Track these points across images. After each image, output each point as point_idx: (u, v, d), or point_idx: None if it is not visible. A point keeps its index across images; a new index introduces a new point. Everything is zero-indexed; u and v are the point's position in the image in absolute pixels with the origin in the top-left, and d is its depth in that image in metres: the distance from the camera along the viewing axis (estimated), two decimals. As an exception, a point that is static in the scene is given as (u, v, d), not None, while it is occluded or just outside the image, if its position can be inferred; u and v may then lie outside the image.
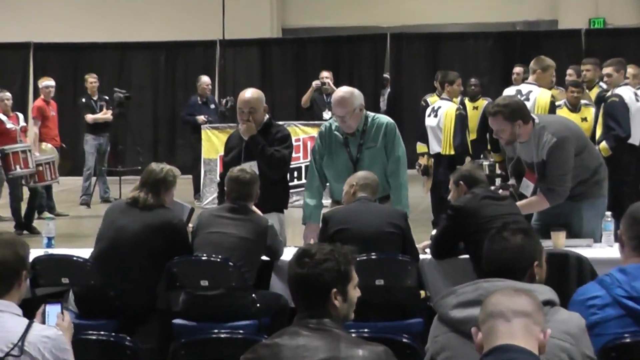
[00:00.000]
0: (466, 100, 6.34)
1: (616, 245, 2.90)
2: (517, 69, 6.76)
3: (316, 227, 3.45)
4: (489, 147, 5.95)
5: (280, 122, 4.99)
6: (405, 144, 3.64)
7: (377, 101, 9.65)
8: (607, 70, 5.07)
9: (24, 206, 6.44)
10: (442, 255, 3.18)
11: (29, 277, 2.08)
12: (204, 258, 3.11)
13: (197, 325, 3.02)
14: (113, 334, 2.40)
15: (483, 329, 1.57)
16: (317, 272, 1.76)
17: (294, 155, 4.60)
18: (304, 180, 6.66)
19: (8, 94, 6.55)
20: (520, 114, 3.32)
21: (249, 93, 3.71)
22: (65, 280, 3.15)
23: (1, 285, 1.96)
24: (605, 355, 1.94)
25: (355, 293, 1.81)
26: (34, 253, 3.03)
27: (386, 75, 10.13)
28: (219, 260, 3.07)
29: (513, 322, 1.54)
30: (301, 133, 7.46)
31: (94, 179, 7.78)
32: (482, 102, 6.57)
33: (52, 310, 2.02)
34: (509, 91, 4.97)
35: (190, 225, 3.35)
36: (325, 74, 7.77)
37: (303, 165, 7.14)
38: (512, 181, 3.55)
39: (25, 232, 6.23)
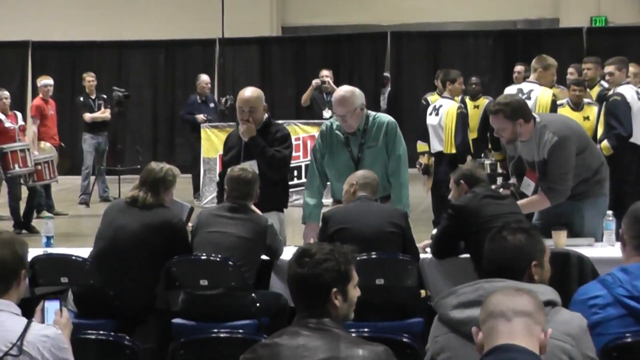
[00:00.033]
0: (467, 99, 6.32)
1: (617, 245, 2.90)
2: (518, 68, 6.74)
3: (316, 227, 3.44)
4: (489, 146, 5.94)
5: (280, 121, 4.99)
6: (406, 142, 3.63)
7: (377, 100, 9.64)
8: (609, 68, 5.06)
9: (22, 205, 6.43)
10: (442, 255, 3.17)
11: (28, 276, 2.07)
12: (203, 257, 3.10)
13: (196, 324, 3.02)
14: (112, 333, 2.39)
15: (484, 329, 1.56)
16: (317, 271, 1.76)
17: (293, 154, 4.59)
18: (303, 180, 6.66)
19: (6, 93, 6.53)
20: (521, 112, 3.31)
21: (249, 92, 3.70)
22: (64, 280, 3.14)
23: (0, 285, 1.95)
24: (606, 355, 1.94)
25: (355, 293, 1.81)
26: (33, 252, 3.02)
27: (386, 74, 10.12)
28: (218, 259, 3.06)
29: (514, 321, 1.53)
30: (301, 132, 7.45)
31: (92, 178, 7.77)
32: (483, 101, 6.56)
33: (51, 306, 2.02)
34: (510, 90, 4.96)
35: (190, 224, 3.35)
36: (325, 72, 7.76)
37: (303, 165, 7.13)
38: (513, 180, 3.54)
39: (24, 231, 6.22)
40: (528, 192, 3.41)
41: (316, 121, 7.40)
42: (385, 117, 3.62)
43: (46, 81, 7.39)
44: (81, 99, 7.87)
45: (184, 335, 2.40)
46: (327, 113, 7.34)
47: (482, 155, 5.96)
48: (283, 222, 3.70)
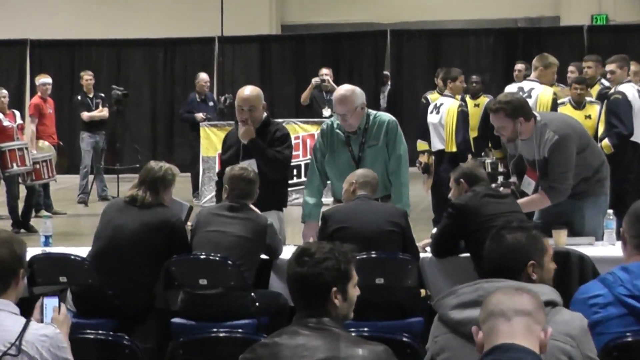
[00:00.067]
0: (467, 98, 6.31)
1: (618, 244, 2.89)
2: (519, 66, 6.73)
3: (315, 226, 3.43)
4: (489, 144, 5.93)
5: (280, 120, 4.98)
6: (406, 141, 3.63)
7: (377, 99, 9.62)
8: (610, 67, 5.04)
9: (21, 204, 6.42)
10: (442, 254, 3.16)
11: (26, 275, 2.06)
12: (202, 257, 3.09)
13: (195, 324, 3.01)
14: (111, 333, 2.38)
15: (484, 328, 1.56)
16: (317, 271, 1.75)
17: (293, 153, 4.58)
18: (303, 179, 6.65)
19: (4, 92, 6.52)
20: (522, 111, 3.30)
21: (248, 91, 3.69)
22: (63, 279, 3.14)
23: (-2, 284, 1.95)
24: (607, 354, 1.93)
25: (355, 292, 1.80)
26: (32, 251, 3.01)
27: (386, 73, 10.10)
28: (217, 259, 3.05)
29: (514, 321, 1.53)
30: (300, 131, 7.44)
31: (91, 177, 7.76)
32: (484, 100, 6.55)
33: (50, 303, 2.01)
34: (511, 88, 4.95)
35: (189, 223, 3.34)
36: (324, 71, 7.75)
37: (302, 163, 7.12)
38: (513, 179, 3.54)
39: (22, 230, 6.21)
40: (528, 191, 3.40)
41: (316, 120, 7.39)
42: (386, 116, 3.62)
43: (44, 80, 7.38)
44: (79, 97, 7.85)
45: (183, 335, 2.39)
46: (326, 112, 7.32)
47: (483, 154, 5.96)
48: (282, 221, 3.69)
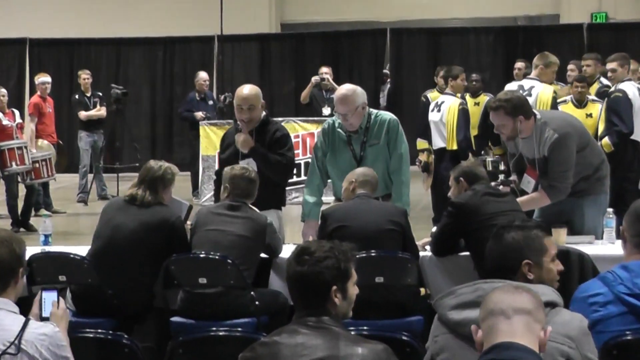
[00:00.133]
0: (467, 96, 6.31)
1: (618, 242, 2.89)
2: (519, 64, 6.72)
3: (315, 225, 3.43)
4: (489, 143, 5.93)
5: (279, 119, 4.99)
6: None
7: (377, 97, 9.62)
8: (611, 65, 5.03)
9: (20, 203, 6.41)
10: (442, 253, 3.16)
11: (26, 274, 2.06)
12: (202, 256, 3.09)
13: (195, 323, 3.01)
14: (111, 332, 2.38)
15: (483, 327, 1.56)
16: (318, 270, 1.74)
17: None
18: (303, 177, 6.65)
19: (4, 90, 6.51)
20: (522, 109, 3.30)
21: (247, 90, 3.68)
22: (62, 278, 3.13)
23: (-3, 283, 1.95)
24: (606, 353, 1.92)
25: (354, 290, 1.80)
26: (31, 250, 3.01)
27: (386, 71, 10.09)
28: (217, 257, 3.05)
29: (514, 319, 1.52)
30: (300, 129, 7.43)
31: (90, 176, 7.76)
32: (484, 98, 6.54)
33: (48, 297, 2.01)
34: (511, 86, 4.95)
35: (189, 222, 3.33)
36: (324, 69, 7.74)
37: (302, 162, 7.11)
38: (513, 177, 3.53)
39: (21, 229, 6.21)
40: (528, 190, 3.40)
41: (315, 118, 7.39)
42: (387, 115, 3.62)
43: (44, 78, 7.37)
44: (76, 96, 7.84)
45: (182, 334, 2.39)
46: (326, 110, 7.32)
47: (482, 152, 5.95)
48: (281, 220, 3.69)
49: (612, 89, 4.99)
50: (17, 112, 6.62)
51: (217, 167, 6.04)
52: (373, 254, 2.99)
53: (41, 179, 6.53)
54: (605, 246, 3.24)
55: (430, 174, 5.79)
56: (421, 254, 3.18)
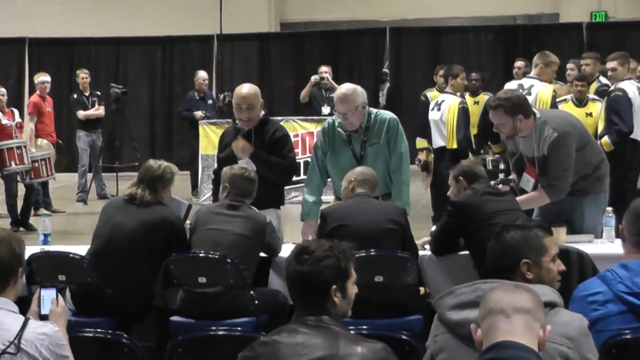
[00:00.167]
0: (467, 95, 6.31)
1: (617, 241, 2.89)
2: (518, 63, 6.72)
3: (315, 224, 3.43)
4: (489, 141, 5.92)
5: (279, 118, 4.98)
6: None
7: (376, 96, 9.62)
8: (611, 64, 5.03)
9: (19, 203, 6.41)
10: (442, 252, 3.16)
11: (25, 274, 2.06)
12: (201, 255, 3.08)
13: (194, 322, 3.01)
14: (110, 331, 2.38)
15: (483, 326, 1.55)
16: (317, 269, 1.74)
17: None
18: (302, 176, 6.63)
19: (3, 90, 6.51)
20: (521, 108, 3.30)
21: (246, 89, 3.68)
22: (61, 278, 3.13)
23: (-3, 283, 1.95)
24: (606, 352, 1.92)
25: (353, 290, 1.80)
26: (30, 250, 3.01)
27: (385, 70, 10.09)
28: (217, 257, 3.05)
29: (513, 318, 1.52)
30: (300, 128, 7.43)
31: (89, 175, 7.76)
32: (483, 97, 6.54)
33: (47, 295, 2.01)
34: (511, 85, 4.95)
35: (188, 222, 3.33)
36: (324, 68, 7.74)
37: (302, 161, 7.11)
38: (512, 176, 3.53)
39: (21, 229, 6.21)
40: (527, 189, 3.40)
41: (315, 118, 7.39)
42: (387, 114, 3.62)
43: (43, 78, 7.37)
44: (75, 96, 7.84)
45: (182, 333, 2.39)
46: (326, 109, 7.32)
47: (482, 151, 5.95)
48: (280, 219, 3.69)
49: (612, 88, 4.99)
50: (16, 112, 6.62)
51: (215, 166, 6.04)
52: (372, 253, 2.99)
53: (40, 179, 6.53)
54: (604, 245, 3.24)
55: (430, 173, 5.79)
56: (421, 253, 3.18)
